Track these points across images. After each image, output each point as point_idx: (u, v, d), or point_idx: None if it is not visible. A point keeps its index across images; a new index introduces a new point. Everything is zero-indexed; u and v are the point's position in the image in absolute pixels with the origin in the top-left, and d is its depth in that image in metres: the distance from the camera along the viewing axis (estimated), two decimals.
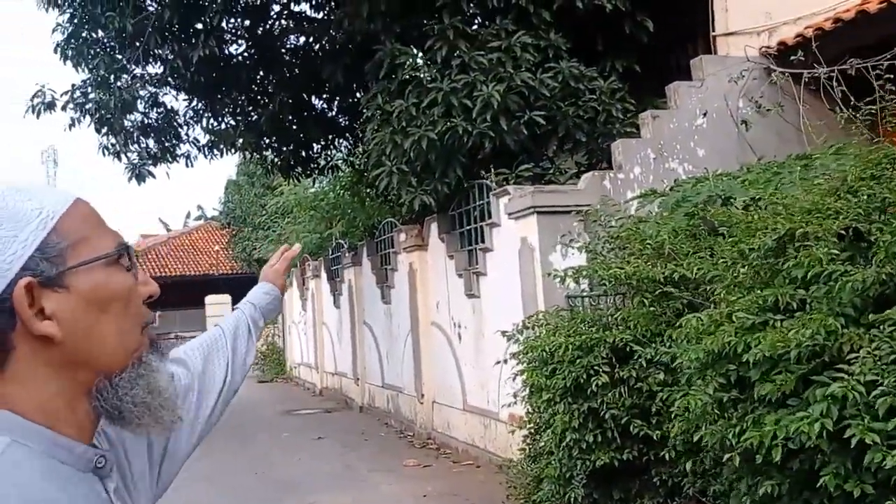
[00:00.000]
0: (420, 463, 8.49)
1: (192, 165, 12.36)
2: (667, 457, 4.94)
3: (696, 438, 3.95)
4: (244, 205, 28.98)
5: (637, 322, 5.06)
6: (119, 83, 9.74)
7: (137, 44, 9.23)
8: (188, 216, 48.26)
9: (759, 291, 3.76)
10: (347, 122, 12.29)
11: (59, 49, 10.41)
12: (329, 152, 12.94)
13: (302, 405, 14.43)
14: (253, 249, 26.91)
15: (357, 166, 13.31)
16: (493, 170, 8.10)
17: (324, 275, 15.48)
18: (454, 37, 7.91)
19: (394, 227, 11.02)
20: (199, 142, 11.73)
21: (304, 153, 12.49)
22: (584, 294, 6.51)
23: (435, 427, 9.61)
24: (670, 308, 5.06)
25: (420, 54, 8.31)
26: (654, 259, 5.35)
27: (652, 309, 5.05)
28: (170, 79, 10.06)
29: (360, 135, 12.43)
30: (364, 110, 8.59)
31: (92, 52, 9.96)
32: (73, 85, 10.22)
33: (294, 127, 11.84)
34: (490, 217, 7.89)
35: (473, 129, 7.68)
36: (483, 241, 8.06)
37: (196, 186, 73.76)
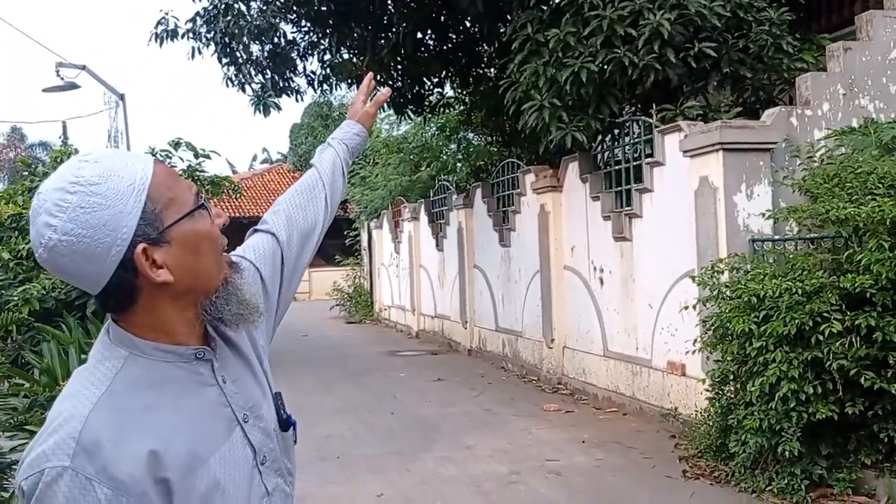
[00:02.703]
0: (560, 408, 8.25)
1: (301, 100, 12.12)
2: None
3: None
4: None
5: (877, 266, 4.64)
6: (251, 10, 9.43)
7: None
8: (254, 159, 48.76)
9: None
10: (463, 59, 11.85)
11: None
12: (441, 90, 12.54)
13: (402, 347, 14.33)
14: None
15: (468, 104, 12.91)
16: (654, 105, 7.65)
17: (423, 217, 15.21)
18: None
19: (517, 167, 10.64)
20: (314, 74, 11.43)
21: (416, 90, 12.12)
22: (775, 238, 6.10)
23: (566, 372, 9.35)
24: None
25: None
26: (885, 199, 4.90)
27: (893, 253, 4.62)
28: (295, 6, 9.70)
29: (476, 72, 12.03)
30: (513, 40, 8.11)
31: None
32: (197, 13, 9.97)
33: (407, 63, 11.46)
34: (652, 155, 7.45)
35: (639, 61, 7.20)
36: (640, 182, 7.64)
37: (255, 130, 74.14)
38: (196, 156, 12.00)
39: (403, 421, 8.03)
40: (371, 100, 1.99)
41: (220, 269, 1.28)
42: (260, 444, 1.33)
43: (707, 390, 5.93)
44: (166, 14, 9.99)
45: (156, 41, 10.04)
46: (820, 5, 9.05)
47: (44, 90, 14.92)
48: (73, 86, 14.41)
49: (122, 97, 16.05)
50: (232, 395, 1.30)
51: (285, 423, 1.42)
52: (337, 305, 20.66)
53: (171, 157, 11.99)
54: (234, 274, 1.31)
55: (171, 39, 10.10)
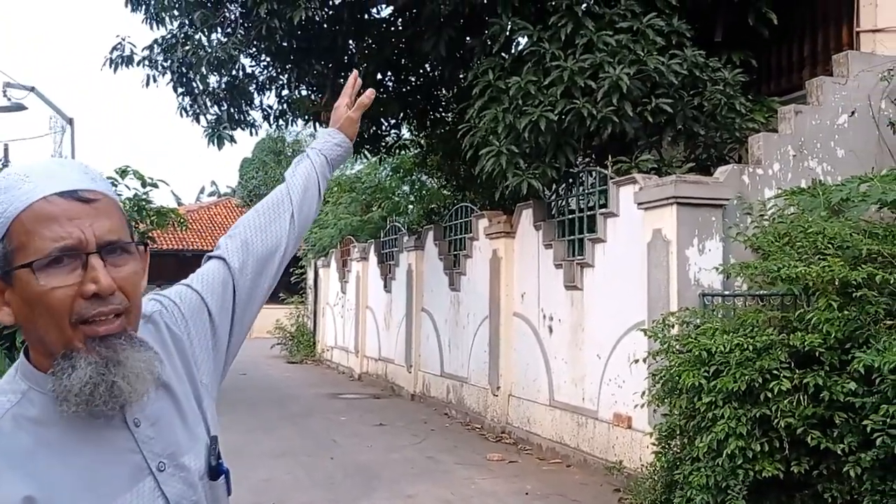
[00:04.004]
0: (504, 458, 8.11)
1: (255, 134, 11.98)
2: (851, 473, 4.59)
3: None
4: (270, 183, 28.85)
5: (826, 326, 4.67)
6: (211, 41, 9.31)
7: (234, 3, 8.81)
8: (202, 191, 48.10)
9: None
10: (422, 102, 11.89)
11: (134, 2, 10.03)
12: (398, 131, 12.54)
13: (344, 389, 14.05)
14: None
15: (425, 147, 12.93)
16: (609, 157, 7.73)
17: (372, 258, 15.07)
18: (581, 14, 7.51)
19: (471, 211, 10.63)
20: (270, 109, 11.33)
21: (373, 130, 12.10)
22: (725, 293, 6.15)
23: (510, 421, 9.23)
24: (865, 313, 4.67)
25: (537, 30, 7.88)
26: (835, 259, 4.97)
27: (846, 313, 4.66)
28: (256, 40, 9.61)
29: (433, 115, 12.08)
30: (473, 85, 8.15)
31: (178, 6, 9.53)
32: (155, 40, 9.81)
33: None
34: (606, 205, 7.50)
35: (598, 113, 7.28)
36: (594, 231, 7.66)
37: (204, 162, 73.28)
38: (144, 185, 11.72)
39: (343, 466, 7.79)
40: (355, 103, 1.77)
41: (60, 340, 1.09)
42: (178, 496, 1.19)
43: (653, 444, 5.87)
44: (123, 40, 9.82)
45: (110, 66, 9.83)
46: (771, 69, 9.33)
47: None
48: (19, 107, 13.99)
49: (70, 121, 15.67)
50: (146, 440, 1.17)
51: (215, 472, 1.27)
52: (278, 344, 20.24)
53: (117, 185, 11.69)
54: (85, 352, 1.09)
55: (127, 66, 9.90)
